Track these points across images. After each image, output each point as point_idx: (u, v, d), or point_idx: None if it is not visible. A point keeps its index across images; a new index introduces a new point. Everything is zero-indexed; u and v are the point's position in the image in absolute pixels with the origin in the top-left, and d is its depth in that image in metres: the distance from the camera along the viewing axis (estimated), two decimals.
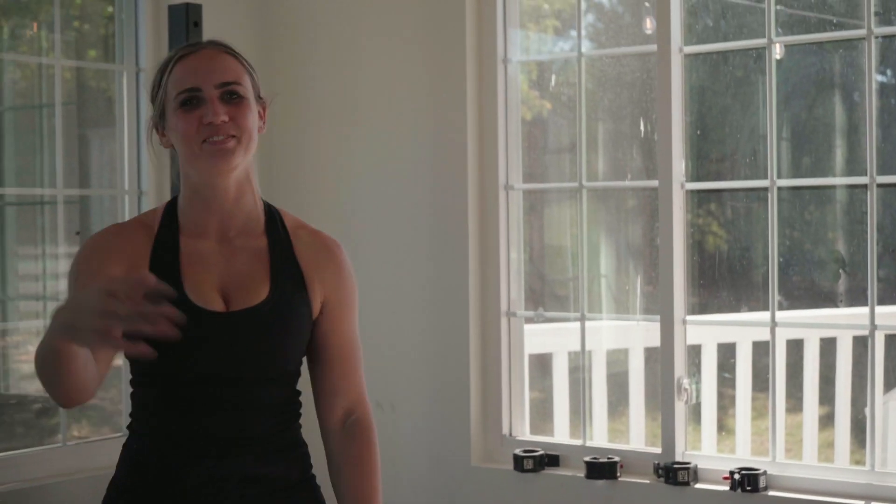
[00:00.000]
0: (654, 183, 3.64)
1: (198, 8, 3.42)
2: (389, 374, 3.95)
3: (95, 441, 3.87)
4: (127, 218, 3.87)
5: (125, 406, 4.00)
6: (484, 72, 3.89)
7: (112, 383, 4.03)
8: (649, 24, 3.78)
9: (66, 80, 3.95)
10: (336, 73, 4.14)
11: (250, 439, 2.01)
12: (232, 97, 1.98)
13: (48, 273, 4.11)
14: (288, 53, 4.24)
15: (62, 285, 3.96)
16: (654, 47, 3.59)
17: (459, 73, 3.88)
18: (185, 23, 3.38)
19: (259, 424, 2.02)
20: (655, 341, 3.70)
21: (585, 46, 3.89)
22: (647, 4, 3.86)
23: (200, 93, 1.95)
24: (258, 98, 2.07)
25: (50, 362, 1.74)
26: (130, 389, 2.08)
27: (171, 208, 2.09)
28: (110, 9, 4.10)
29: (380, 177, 4.04)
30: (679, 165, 3.56)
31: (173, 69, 1.99)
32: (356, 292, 2.17)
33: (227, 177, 1.99)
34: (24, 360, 4.06)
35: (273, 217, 2.11)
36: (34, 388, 4.10)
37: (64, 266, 4.00)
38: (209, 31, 3.43)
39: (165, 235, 2.05)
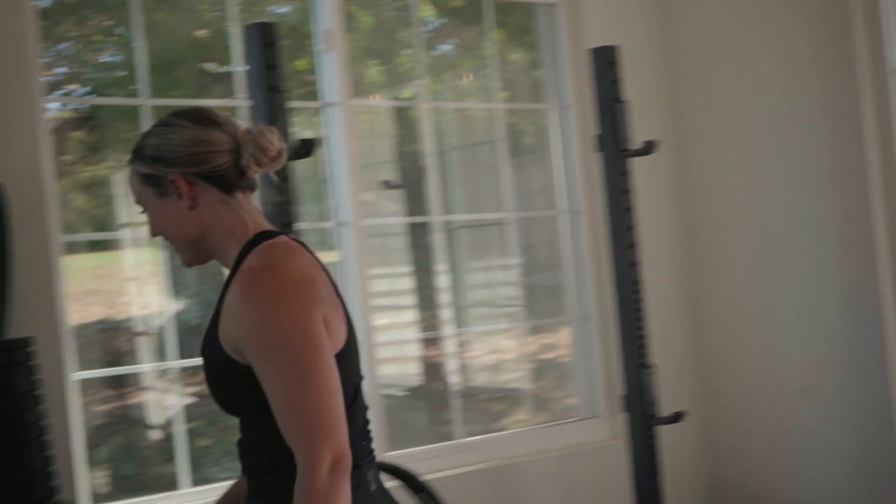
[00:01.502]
0: None
1: (613, 49, 3.55)
2: (811, 358, 4.03)
3: (550, 425, 4.21)
4: (567, 233, 4.28)
5: (560, 394, 4.46)
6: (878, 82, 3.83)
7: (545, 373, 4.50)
8: None
9: (491, 120, 4.28)
10: (737, 96, 4.20)
11: (245, 471, 1.96)
12: (143, 213, 1.95)
13: (495, 282, 4.49)
14: (694, 82, 4.36)
15: (508, 292, 4.43)
16: None
17: (851, 85, 3.84)
18: (604, 62, 3.53)
19: (244, 459, 1.93)
20: None
21: None
22: None
23: None
24: (159, 184, 1.88)
25: None
26: None
27: None
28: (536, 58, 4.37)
29: (784, 184, 4.07)
30: None
31: None
32: (261, 330, 1.74)
33: (194, 265, 1.98)
34: (474, 356, 4.41)
35: (237, 265, 1.90)
36: (483, 380, 4.53)
37: (505, 276, 4.44)
38: (626, 69, 3.64)
39: None
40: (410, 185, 4.22)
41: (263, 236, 1.89)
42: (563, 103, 4.27)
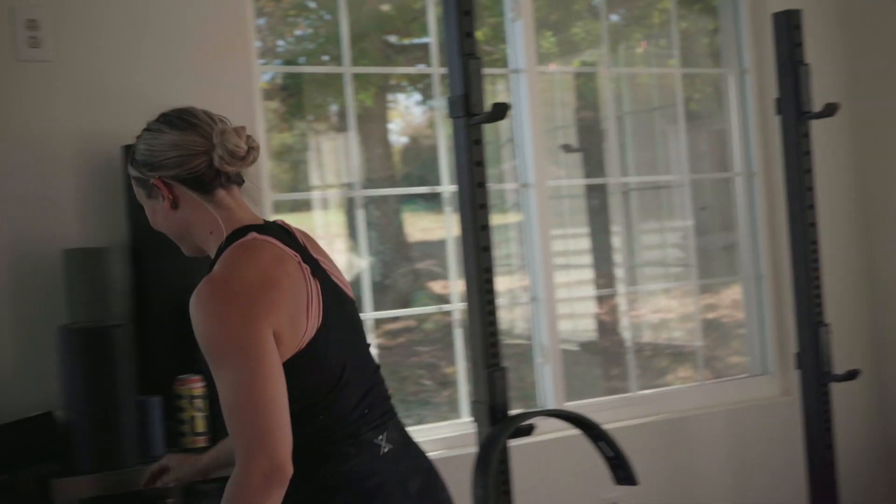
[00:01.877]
0: None
1: (796, 13, 3.55)
2: None
3: (721, 381, 4.27)
4: (742, 195, 4.32)
5: (729, 352, 4.49)
6: None
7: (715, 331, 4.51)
8: None
9: (666, 86, 4.33)
10: None
11: None
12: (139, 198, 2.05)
13: (668, 243, 4.53)
14: (873, 45, 4.31)
15: (680, 252, 4.45)
16: None
17: None
18: (787, 27, 3.54)
19: None
20: None
21: None
22: None
23: None
24: (146, 187, 1.99)
25: None
26: None
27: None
28: (713, 26, 4.39)
29: None
30: None
31: None
32: (207, 340, 1.80)
33: (193, 256, 2.08)
34: (642, 314, 4.43)
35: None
36: (655, 337, 4.54)
37: (678, 237, 4.44)
38: (807, 33, 3.62)
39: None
40: (587, 149, 4.28)
41: (235, 235, 1.93)
42: (742, 68, 4.28)
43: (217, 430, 2.80)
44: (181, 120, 1.97)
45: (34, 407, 2.84)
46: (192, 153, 1.93)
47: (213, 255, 1.97)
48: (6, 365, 2.93)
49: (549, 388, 3.80)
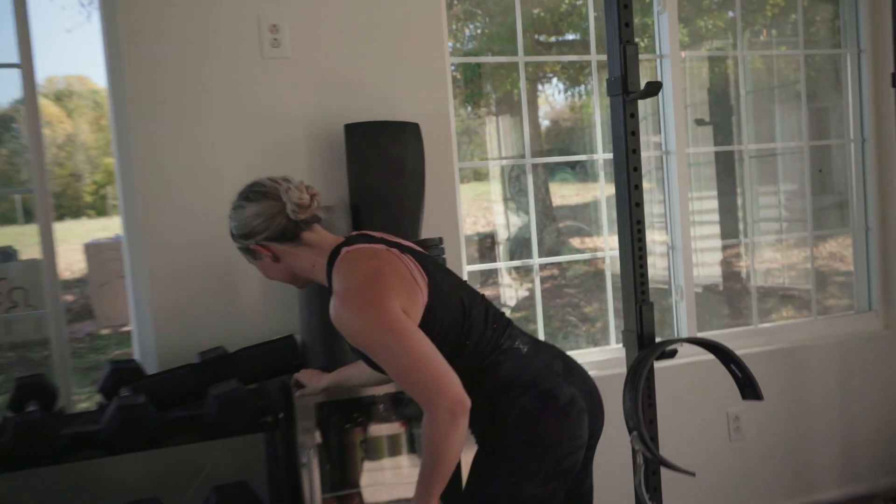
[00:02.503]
0: None
1: None
2: None
3: (831, 316, 4.21)
4: (852, 162, 4.23)
5: (839, 293, 4.44)
6: None
7: (827, 276, 4.42)
8: None
9: (788, 65, 4.26)
10: None
11: None
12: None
13: (790, 201, 4.42)
14: None
15: (801, 206, 4.40)
16: None
17: None
18: None
19: None
20: None
21: None
22: None
23: None
24: (251, 251, 2.14)
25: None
26: None
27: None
28: (830, 13, 4.25)
29: None
30: None
31: None
32: (360, 338, 1.95)
33: (305, 286, 2.23)
34: (767, 261, 4.42)
35: (330, 283, 2.06)
36: (774, 281, 4.49)
37: (797, 195, 4.41)
38: None
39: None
40: (718, 121, 4.26)
41: (332, 258, 2.05)
42: (860, 48, 4.19)
43: None
44: (253, 193, 2.10)
45: (280, 331, 3.02)
46: (271, 216, 2.07)
47: (323, 279, 2.10)
48: (257, 300, 3.11)
49: (683, 322, 3.84)
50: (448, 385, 1.87)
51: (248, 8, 3.11)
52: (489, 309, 2.16)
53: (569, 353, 2.32)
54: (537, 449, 2.03)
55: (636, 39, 3.01)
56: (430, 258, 2.18)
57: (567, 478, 2.09)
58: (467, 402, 1.87)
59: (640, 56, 3.02)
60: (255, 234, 2.09)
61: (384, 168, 3.02)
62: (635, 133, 2.99)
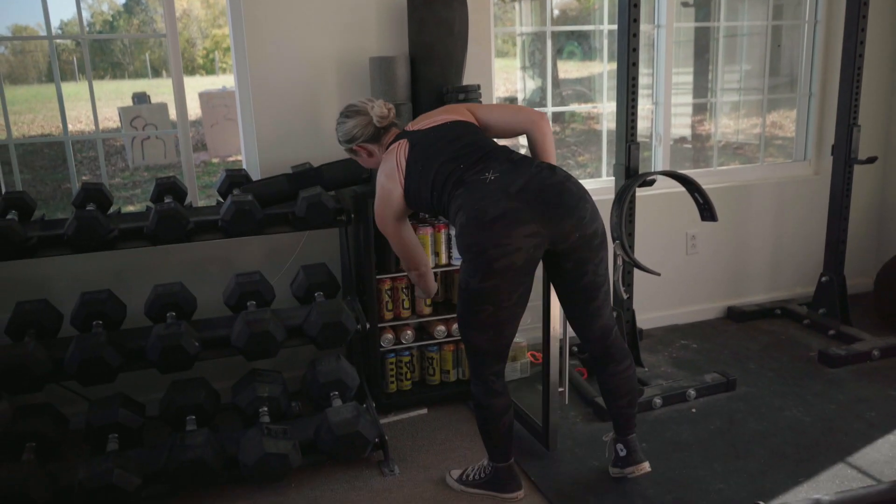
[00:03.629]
0: None
1: None
2: None
3: (775, 163, 4.03)
4: (804, 39, 3.89)
5: (783, 144, 4.34)
6: None
7: (774, 133, 4.27)
8: None
9: None
10: None
11: None
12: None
13: (741, 81, 4.21)
14: None
15: (757, 80, 4.17)
16: None
17: None
18: None
19: None
20: None
21: None
22: None
23: None
24: (351, 150, 2.31)
25: None
26: None
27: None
28: None
29: None
30: None
31: None
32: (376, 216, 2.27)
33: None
34: (728, 123, 4.20)
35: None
36: (733, 137, 4.34)
37: (750, 79, 4.27)
38: None
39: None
40: (699, 4, 4.02)
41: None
42: None
43: None
44: (350, 111, 2.26)
45: None
46: (363, 125, 2.24)
47: None
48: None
49: (660, 162, 3.73)
50: (414, 267, 2.38)
51: None
52: (460, 155, 2.09)
53: None
54: (470, 254, 1.99)
55: None
56: (438, 128, 2.18)
57: (508, 277, 1.97)
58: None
59: None
60: (354, 139, 2.26)
61: (437, 28, 2.90)
62: (637, 5, 2.86)
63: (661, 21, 3.61)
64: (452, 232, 2.89)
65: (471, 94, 2.86)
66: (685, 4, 4.02)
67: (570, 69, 5.08)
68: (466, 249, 1.99)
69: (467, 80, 3.14)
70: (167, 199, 2.63)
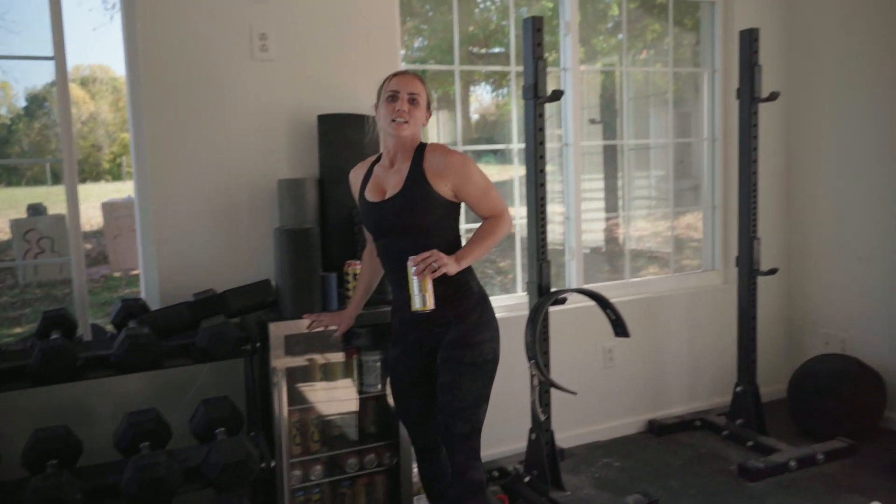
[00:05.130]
0: None
1: (756, 31, 3.50)
2: (867, 239, 3.93)
3: (685, 273, 4.19)
4: (705, 156, 4.22)
5: (691, 255, 4.54)
6: None
7: (683, 242, 4.52)
8: None
9: (661, 79, 4.26)
10: (835, 62, 4.00)
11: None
12: (413, 101, 2.22)
13: (651, 186, 4.48)
14: (806, 53, 4.17)
15: (665, 189, 4.37)
16: None
17: None
18: (749, 40, 3.48)
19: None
20: None
21: None
22: None
23: (398, 94, 2.21)
24: (428, 105, 2.27)
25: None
26: None
27: (380, 153, 2.35)
28: (693, 38, 4.27)
29: (858, 120, 3.90)
30: None
31: (390, 81, 2.25)
32: (468, 170, 2.18)
33: (399, 137, 2.22)
34: (638, 230, 4.33)
35: (419, 150, 2.24)
36: (643, 245, 4.48)
37: (662, 179, 4.45)
38: (762, 47, 3.58)
39: (372, 166, 2.34)
40: (606, 121, 4.27)
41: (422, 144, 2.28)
42: (714, 68, 4.20)
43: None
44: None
45: (259, 276, 2.98)
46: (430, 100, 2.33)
47: (406, 144, 2.27)
48: (244, 250, 3.04)
49: (573, 276, 3.85)
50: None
51: (242, 19, 3.01)
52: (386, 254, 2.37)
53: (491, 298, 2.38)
54: (494, 326, 2.37)
55: (546, 55, 3.00)
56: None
57: None
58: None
59: (548, 69, 3.01)
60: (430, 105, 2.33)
61: (347, 150, 2.97)
62: (542, 129, 3.01)
63: (568, 140, 3.80)
64: (367, 357, 2.87)
65: None
66: (593, 122, 4.25)
67: (491, 173, 5.25)
68: (493, 321, 2.30)
69: None
70: (54, 335, 2.52)
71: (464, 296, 2.24)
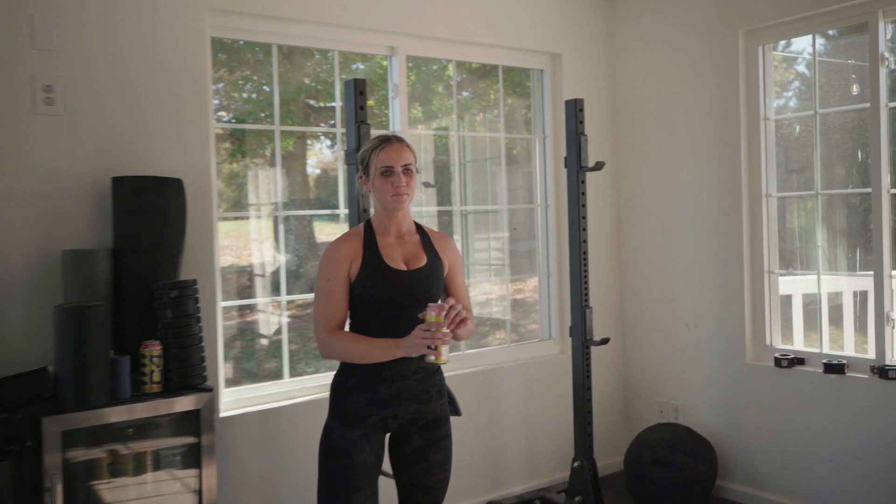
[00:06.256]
0: (868, 190, 3.53)
1: (581, 101, 3.56)
2: (692, 305, 4.11)
3: (521, 343, 4.24)
4: (538, 222, 4.32)
5: (528, 322, 4.56)
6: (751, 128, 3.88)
7: (519, 308, 4.53)
8: (855, 89, 3.65)
9: (494, 144, 4.30)
10: (658, 133, 4.23)
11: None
12: (407, 172, 2.29)
13: (490, 249, 4.47)
14: (630, 124, 4.38)
15: (498, 255, 4.43)
16: (866, 105, 3.49)
17: (734, 129, 3.88)
18: (574, 109, 3.54)
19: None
20: (857, 287, 3.65)
21: (802, 106, 3.68)
22: (853, 76, 3.66)
23: (393, 169, 2.27)
24: (417, 171, 2.34)
25: (361, 358, 2.20)
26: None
27: (368, 224, 2.36)
28: (527, 104, 4.39)
29: (683, 190, 4.11)
30: (886, 178, 3.47)
31: (380, 152, 2.29)
32: (460, 258, 2.43)
33: (401, 209, 2.31)
34: (474, 295, 4.32)
35: (419, 226, 2.41)
36: (479, 311, 4.42)
37: (497, 245, 4.49)
38: (587, 113, 3.74)
39: (369, 237, 2.32)
40: (441, 185, 4.26)
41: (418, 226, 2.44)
42: (544, 134, 4.31)
43: (169, 380, 2.69)
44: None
45: (35, 363, 2.66)
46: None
47: (407, 217, 2.41)
48: (18, 333, 2.72)
49: None
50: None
51: (23, 68, 2.73)
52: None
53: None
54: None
55: (377, 116, 2.94)
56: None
57: None
58: None
59: (378, 130, 2.95)
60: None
61: (147, 217, 2.77)
62: (366, 196, 2.89)
63: None
64: None
65: (184, 291, 2.70)
66: (427, 185, 4.21)
67: (334, 231, 5.04)
68: None
69: (186, 271, 2.97)
70: None
71: (439, 370, 2.37)
